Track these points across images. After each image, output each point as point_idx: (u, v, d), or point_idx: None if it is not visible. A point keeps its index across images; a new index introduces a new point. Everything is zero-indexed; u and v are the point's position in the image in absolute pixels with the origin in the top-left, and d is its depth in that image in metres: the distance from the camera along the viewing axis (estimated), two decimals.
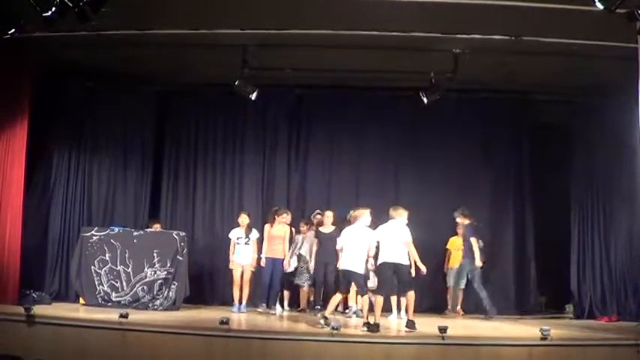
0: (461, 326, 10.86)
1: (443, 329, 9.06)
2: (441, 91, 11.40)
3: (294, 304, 12.40)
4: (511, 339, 9.45)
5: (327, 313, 10.15)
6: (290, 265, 12.02)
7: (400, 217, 10.36)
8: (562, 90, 12.45)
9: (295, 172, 13.69)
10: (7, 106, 11.02)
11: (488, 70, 11.67)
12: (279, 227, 11.98)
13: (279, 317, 11.55)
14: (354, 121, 13.61)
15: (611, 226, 12.51)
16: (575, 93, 12.49)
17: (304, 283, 12.16)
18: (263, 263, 11.91)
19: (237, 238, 12.15)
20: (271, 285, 11.93)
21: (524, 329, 10.38)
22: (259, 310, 11.93)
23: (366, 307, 10.13)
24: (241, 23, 10.18)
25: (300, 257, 12.17)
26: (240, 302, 11.98)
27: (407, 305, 10.46)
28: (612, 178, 12.50)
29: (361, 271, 10.19)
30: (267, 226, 12.05)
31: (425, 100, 11.59)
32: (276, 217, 12.02)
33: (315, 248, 12.12)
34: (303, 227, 12.40)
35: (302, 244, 12.24)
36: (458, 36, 10.28)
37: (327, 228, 12.02)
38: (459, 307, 12.75)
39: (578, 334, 10.07)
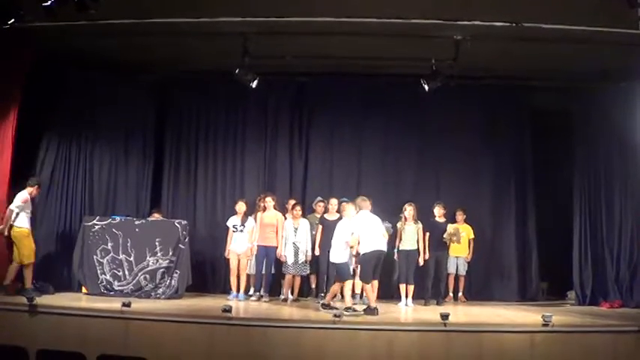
0: (462, 313, 10.91)
1: (445, 316, 9.10)
2: (442, 78, 11.34)
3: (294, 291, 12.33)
4: (513, 325, 9.47)
5: (327, 300, 10.42)
6: (286, 257, 11.96)
7: (370, 207, 10.80)
8: (564, 76, 12.38)
9: (296, 160, 13.66)
10: (2, 94, 10.98)
11: (490, 56, 11.63)
12: (271, 215, 11.98)
13: (281, 304, 11.56)
14: (355, 109, 13.59)
15: (613, 211, 12.49)
16: (577, 79, 12.43)
17: (298, 272, 12.10)
18: (254, 251, 12.00)
19: (233, 226, 12.20)
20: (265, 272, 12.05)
21: (526, 315, 10.39)
22: (253, 298, 11.97)
23: (348, 294, 10.56)
24: (241, 11, 10.13)
25: (294, 246, 12.02)
26: (238, 290, 12.05)
27: (366, 291, 10.59)
28: (615, 163, 12.49)
29: (340, 260, 10.52)
30: (258, 214, 12.05)
31: (426, 87, 11.54)
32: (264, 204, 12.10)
33: (315, 234, 12.06)
34: (296, 212, 12.22)
35: (296, 233, 12.06)
36: (459, 23, 10.24)
37: (332, 215, 11.96)
38: (460, 293, 12.81)
39: (580, 321, 10.10)
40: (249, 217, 12.22)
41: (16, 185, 11.35)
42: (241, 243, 12.12)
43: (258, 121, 13.72)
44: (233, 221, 12.26)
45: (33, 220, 11.41)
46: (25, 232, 10.96)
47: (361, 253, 10.55)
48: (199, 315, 9.66)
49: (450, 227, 12.20)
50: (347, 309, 10.07)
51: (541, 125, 13.46)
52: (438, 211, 12.33)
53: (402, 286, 11.78)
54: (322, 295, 11.78)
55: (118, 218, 12.08)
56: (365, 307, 10.27)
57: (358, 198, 10.93)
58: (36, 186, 11.34)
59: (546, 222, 13.32)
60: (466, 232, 12.77)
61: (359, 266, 10.99)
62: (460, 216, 12.86)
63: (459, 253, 12.75)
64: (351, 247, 10.79)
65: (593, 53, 10.93)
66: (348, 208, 10.80)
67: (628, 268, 12.14)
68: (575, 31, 10.04)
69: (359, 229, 10.48)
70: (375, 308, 10.03)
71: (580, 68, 11.90)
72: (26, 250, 10.91)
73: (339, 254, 10.56)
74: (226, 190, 13.64)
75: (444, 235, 12.09)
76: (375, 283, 10.58)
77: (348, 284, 10.58)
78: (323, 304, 10.37)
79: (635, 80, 11.38)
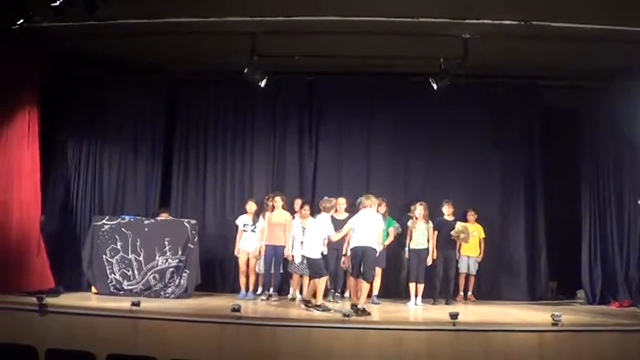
0: (472, 312, 10.89)
1: (454, 315, 9.08)
2: (450, 77, 11.30)
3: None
4: (522, 324, 9.46)
5: (306, 296, 10.57)
6: (295, 256, 11.85)
7: (373, 206, 10.85)
8: (572, 75, 12.37)
9: (306, 159, 13.65)
10: (15, 95, 11.02)
11: (498, 55, 11.61)
12: (279, 214, 11.97)
13: (290, 304, 11.58)
14: (364, 108, 13.57)
15: (622, 210, 12.45)
16: (585, 77, 12.42)
17: (306, 272, 11.89)
18: (262, 251, 12.03)
19: (244, 225, 12.22)
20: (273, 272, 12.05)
21: (536, 315, 10.37)
22: (263, 297, 12.02)
23: (310, 290, 10.62)
24: (250, 11, 10.14)
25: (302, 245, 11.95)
26: (247, 289, 12.07)
27: (359, 290, 10.52)
28: (624, 162, 12.45)
29: (315, 256, 10.66)
30: (267, 214, 12.05)
31: (435, 86, 11.52)
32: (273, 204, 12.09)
33: None
34: (305, 211, 12.14)
35: (304, 233, 11.80)
36: (467, 21, 10.20)
37: (341, 214, 11.87)
38: (470, 292, 12.79)
39: (590, 320, 10.07)
40: (260, 217, 12.21)
41: None
42: (251, 242, 12.12)
43: (267, 121, 13.71)
44: (244, 220, 12.27)
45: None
46: None
47: (349, 248, 10.78)
48: (208, 314, 9.68)
49: (459, 225, 12.18)
50: (317, 306, 10.27)
51: (550, 124, 13.40)
52: (447, 210, 12.32)
53: (412, 285, 11.82)
54: (333, 292, 11.97)
55: (127, 218, 12.11)
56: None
57: (363, 197, 10.93)
58: None
59: (555, 221, 13.26)
60: (477, 231, 12.75)
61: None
62: (472, 216, 12.83)
63: (471, 253, 12.71)
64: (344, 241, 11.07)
65: (601, 51, 10.88)
66: (331, 205, 10.99)
67: (637, 267, 12.09)
68: (583, 30, 9.99)
69: (351, 225, 10.59)
70: (308, 301, 10.29)
71: (588, 66, 11.86)
72: None
73: (313, 249, 10.71)
74: (235, 190, 13.65)
75: (452, 233, 12.07)
76: (372, 280, 10.65)
77: (322, 281, 10.61)
78: (304, 301, 10.40)
79: None
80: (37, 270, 10.95)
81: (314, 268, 10.73)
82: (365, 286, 10.29)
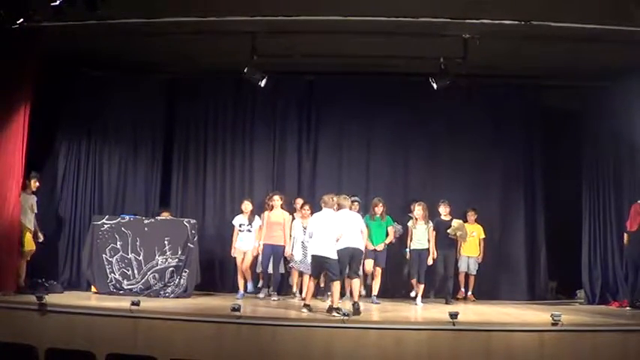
0: (472, 312, 10.87)
1: (454, 315, 9.07)
2: (450, 77, 11.31)
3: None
4: (522, 324, 9.43)
5: (307, 300, 10.31)
6: (294, 255, 11.86)
7: (350, 207, 10.82)
8: (573, 75, 12.38)
9: (305, 159, 13.67)
10: (12, 94, 10.99)
11: (499, 55, 11.60)
12: (278, 214, 11.98)
13: (290, 304, 11.56)
14: (363, 108, 13.56)
15: (622, 210, 12.42)
16: (586, 78, 12.43)
17: (307, 270, 11.64)
18: (260, 250, 12.01)
19: (240, 225, 12.20)
20: (271, 271, 12.05)
21: (535, 314, 10.36)
22: (260, 295, 12.09)
23: (337, 293, 10.12)
24: (250, 10, 10.13)
25: (303, 245, 11.82)
26: (245, 290, 12.05)
27: (352, 289, 10.44)
28: (624, 162, 12.43)
29: (332, 256, 10.18)
30: (265, 213, 12.05)
31: (435, 86, 11.52)
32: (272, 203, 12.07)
33: None
34: (305, 211, 12.07)
35: (305, 232, 11.77)
36: (468, 21, 10.21)
37: None
38: (469, 292, 12.78)
39: (590, 320, 10.05)
40: (256, 217, 12.21)
41: None
42: (247, 242, 12.11)
43: (267, 120, 13.72)
44: (239, 220, 12.26)
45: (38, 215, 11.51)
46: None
47: (337, 249, 10.34)
48: (208, 314, 9.65)
49: (455, 222, 12.15)
50: (337, 309, 9.83)
51: (550, 124, 13.41)
52: (444, 210, 12.31)
53: (414, 281, 11.85)
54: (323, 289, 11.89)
55: (127, 217, 12.09)
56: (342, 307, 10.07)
57: (340, 196, 10.80)
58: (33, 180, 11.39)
59: (555, 220, 13.27)
60: (477, 231, 12.76)
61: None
62: (472, 216, 12.84)
63: (471, 253, 12.73)
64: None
65: (601, 51, 10.89)
66: (331, 201, 10.63)
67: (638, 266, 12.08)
68: (584, 29, 10.00)
69: (342, 229, 10.40)
70: (338, 308, 9.81)
71: (588, 66, 11.86)
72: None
73: (329, 249, 10.20)
74: (235, 189, 13.65)
75: (449, 230, 12.06)
76: (356, 281, 10.36)
77: (337, 284, 10.21)
78: (305, 305, 10.18)
79: None
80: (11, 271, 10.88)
81: (333, 269, 10.15)
82: (355, 284, 10.32)
